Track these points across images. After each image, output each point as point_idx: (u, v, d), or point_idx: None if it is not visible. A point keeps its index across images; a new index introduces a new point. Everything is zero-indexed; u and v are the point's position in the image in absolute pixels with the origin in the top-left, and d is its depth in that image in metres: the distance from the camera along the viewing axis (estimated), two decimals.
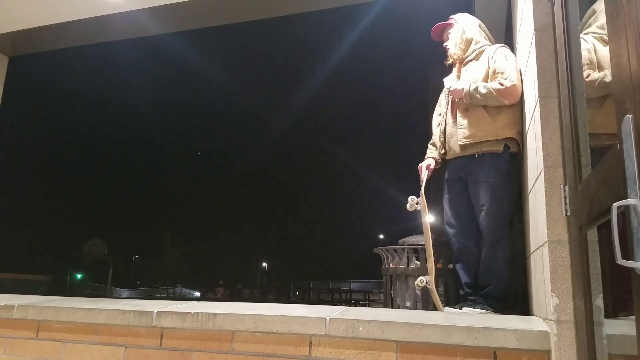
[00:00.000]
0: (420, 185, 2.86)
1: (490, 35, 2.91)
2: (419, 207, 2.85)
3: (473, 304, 2.62)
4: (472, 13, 4.09)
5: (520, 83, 2.50)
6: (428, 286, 2.73)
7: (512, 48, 2.84)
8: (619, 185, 0.98)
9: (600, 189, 1.19)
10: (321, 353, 1.84)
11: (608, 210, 0.98)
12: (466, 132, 2.65)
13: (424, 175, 2.88)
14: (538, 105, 1.77)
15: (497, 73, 2.60)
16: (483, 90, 2.57)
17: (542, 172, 1.69)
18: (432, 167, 2.90)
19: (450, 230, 2.82)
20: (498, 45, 2.76)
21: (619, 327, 1.43)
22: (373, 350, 1.77)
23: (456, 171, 2.77)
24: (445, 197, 2.86)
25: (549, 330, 1.61)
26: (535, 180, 1.88)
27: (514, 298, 3.17)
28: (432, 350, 1.71)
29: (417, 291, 3.08)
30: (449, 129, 2.78)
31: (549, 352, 1.60)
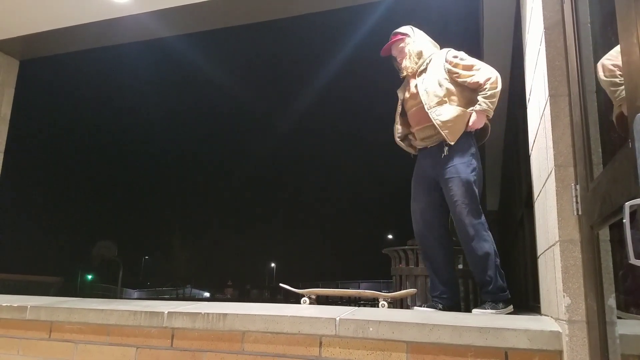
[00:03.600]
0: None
1: (435, 43, 3.02)
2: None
3: (482, 304, 2.62)
4: (481, 13, 4.08)
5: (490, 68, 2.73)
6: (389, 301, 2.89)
7: (521, 46, 2.82)
8: (631, 184, 0.97)
9: (611, 188, 1.18)
10: (331, 353, 1.84)
11: (620, 209, 0.98)
12: (453, 130, 2.71)
13: None
14: (548, 103, 1.76)
15: (466, 70, 2.73)
16: (487, 100, 2.68)
17: (553, 171, 1.68)
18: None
19: (416, 228, 2.90)
20: (445, 49, 2.88)
21: (632, 327, 1.41)
22: (383, 350, 1.77)
23: (425, 171, 2.85)
24: (415, 204, 2.91)
25: (561, 331, 1.60)
26: (546, 180, 1.87)
27: (524, 298, 3.15)
28: (442, 351, 1.70)
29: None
30: (422, 134, 2.85)
31: (560, 352, 1.59)
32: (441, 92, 2.75)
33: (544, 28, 1.82)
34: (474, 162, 2.70)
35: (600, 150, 1.49)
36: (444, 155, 2.72)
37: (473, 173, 2.67)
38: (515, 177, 5.52)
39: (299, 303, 2.81)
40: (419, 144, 2.89)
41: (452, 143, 2.69)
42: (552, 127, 1.71)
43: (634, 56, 0.97)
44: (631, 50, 0.99)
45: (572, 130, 1.66)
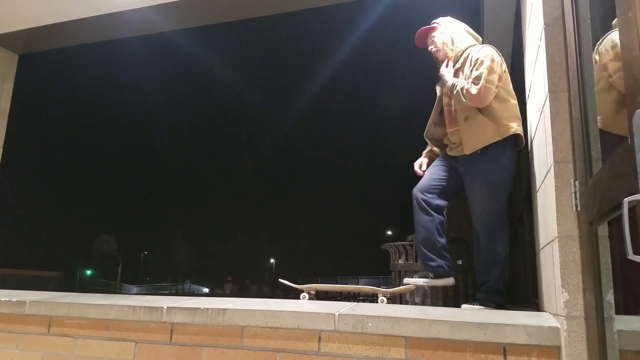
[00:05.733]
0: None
1: (477, 35, 2.88)
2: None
3: (473, 301, 2.62)
4: (481, 8, 4.06)
5: (491, 86, 2.53)
6: (389, 296, 2.80)
7: (521, 42, 2.82)
8: (631, 180, 0.97)
9: (611, 184, 1.18)
10: (330, 348, 1.84)
11: (619, 205, 0.98)
12: (471, 141, 2.64)
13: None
14: (548, 99, 1.76)
15: (473, 70, 2.60)
16: (454, 91, 2.61)
17: (552, 167, 1.68)
18: (424, 166, 2.94)
19: (420, 195, 2.80)
20: (482, 45, 2.75)
21: (630, 323, 1.42)
22: (382, 345, 1.78)
23: (455, 161, 2.79)
24: (430, 167, 2.88)
25: (559, 326, 1.61)
26: (545, 176, 1.87)
27: (523, 293, 3.16)
28: (441, 346, 1.71)
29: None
30: (453, 138, 2.78)
31: (559, 347, 1.59)
32: None
33: (544, 24, 1.82)
34: (507, 164, 2.59)
35: (599, 146, 1.49)
36: (477, 152, 2.62)
37: (502, 175, 2.58)
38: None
39: (299, 298, 2.82)
40: (450, 149, 2.82)
41: (467, 153, 2.63)
42: (551, 123, 1.71)
43: (634, 52, 0.97)
44: (631, 46, 0.99)
45: (572, 127, 1.66)
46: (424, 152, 3.04)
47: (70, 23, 3.62)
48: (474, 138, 2.62)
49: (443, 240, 2.74)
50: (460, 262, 3.77)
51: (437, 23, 2.86)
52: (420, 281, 2.71)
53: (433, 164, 2.91)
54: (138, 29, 3.76)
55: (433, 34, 2.85)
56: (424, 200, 2.77)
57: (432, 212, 2.75)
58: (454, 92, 2.61)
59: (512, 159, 2.61)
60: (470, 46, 2.77)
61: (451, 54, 2.78)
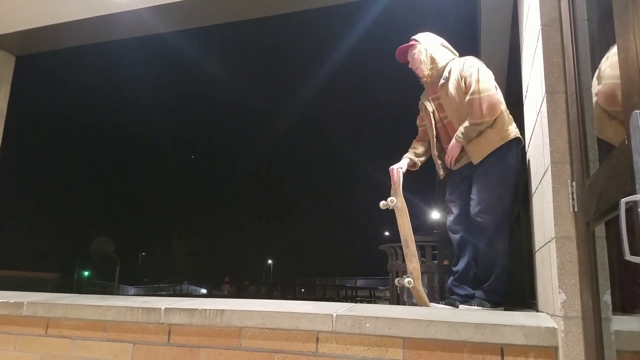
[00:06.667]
0: (395, 188, 2.81)
1: (454, 50, 2.91)
2: (392, 206, 2.79)
3: (470, 300, 2.62)
4: (478, 9, 4.07)
5: (493, 90, 2.59)
6: (409, 285, 2.69)
7: (518, 43, 2.83)
8: (627, 181, 0.98)
9: (608, 185, 1.18)
10: (328, 349, 1.84)
11: (616, 206, 0.98)
12: (477, 151, 2.66)
13: (397, 178, 2.85)
14: (545, 100, 1.76)
15: (467, 91, 2.63)
16: (469, 128, 2.62)
17: (549, 168, 1.69)
18: (403, 170, 2.89)
19: (455, 230, 2.84)
20: (463, 59, 2.78)
21: (627, 323, 1.42)
22: (380, 346, 1.78)
23: (462, 172, 2.80)
24: (450, 198, 2.89)
25: (557, 327, 1.61)
26: (542, 176, 1.88)
27: (521, 294, 3.16)
28: (439, 346, 1.71)
29: (398, 285, 3.03)
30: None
31: (556, 348, 1.60)
32: (464, 108, 2.67)
33: (541, 25, 1.83)
34: (512, 163, 2.61)
35: (596, 147, 1.50)
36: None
37: (507, 173, 2.60)
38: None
39: (296, 299, 2.80)
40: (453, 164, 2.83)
41: (475, 163, 2.65)
42: (549, 124, 1.72)
43: (631, 53, 0.98)
44: (628, 47, 0.99)
45: (569, 127, 1.66)
46: (406, 157, 2.99)
47: (68, 24, 3.61)
48: (479, 147, 2.65)
49: (473, 271, 2.78)
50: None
51: (416, 40, 2.88)
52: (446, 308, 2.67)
53: (449, 197, 2.91)
54: (136, 30, 3.76)
55: (413, 52, 2.87)
56: (454, 230, 2.83)
57: (463, 240, 2.82)
58: (471, 128, 2.61)
59: (516, 157, 2.64)
60: (450, 60, 2.81)
61: (428, 73, 2.80)
